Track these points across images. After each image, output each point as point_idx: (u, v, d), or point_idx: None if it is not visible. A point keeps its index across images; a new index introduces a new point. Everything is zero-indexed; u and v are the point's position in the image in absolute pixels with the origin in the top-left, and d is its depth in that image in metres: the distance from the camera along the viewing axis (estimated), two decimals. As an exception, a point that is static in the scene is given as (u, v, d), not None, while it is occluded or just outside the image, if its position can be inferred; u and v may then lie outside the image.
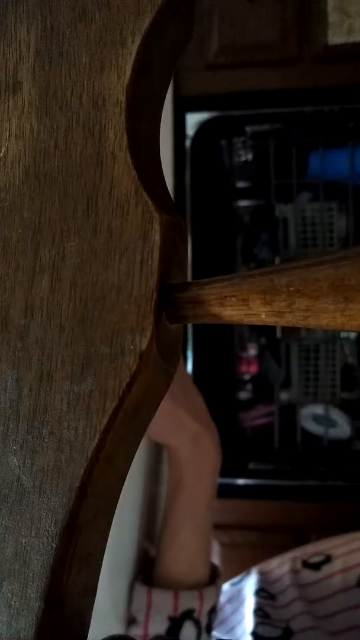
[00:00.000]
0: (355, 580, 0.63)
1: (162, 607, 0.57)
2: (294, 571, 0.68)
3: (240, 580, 0.72)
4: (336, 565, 0.66)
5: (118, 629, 0.58)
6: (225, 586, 0.73)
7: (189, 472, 0.61)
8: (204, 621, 0.59)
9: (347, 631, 0.59)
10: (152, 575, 0.61)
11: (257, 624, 0.60)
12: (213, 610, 0.60)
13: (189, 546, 0.61)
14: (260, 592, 0.66)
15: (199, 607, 0.58)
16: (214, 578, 0.62)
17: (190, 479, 0.60)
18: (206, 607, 0.59)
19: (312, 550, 0.71)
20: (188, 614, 0.58)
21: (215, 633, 0.64)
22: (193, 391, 0.64)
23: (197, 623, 0.58)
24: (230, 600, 0.70)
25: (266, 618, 0.61)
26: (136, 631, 0.57)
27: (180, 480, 0.61)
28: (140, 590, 0.59)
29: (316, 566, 0.67)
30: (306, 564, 0.68)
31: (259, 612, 0.62)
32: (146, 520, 0.67)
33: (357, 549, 0.67)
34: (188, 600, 0.58)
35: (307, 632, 0.59)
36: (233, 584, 0.73)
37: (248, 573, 0.73)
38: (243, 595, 0.68)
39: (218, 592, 0.61)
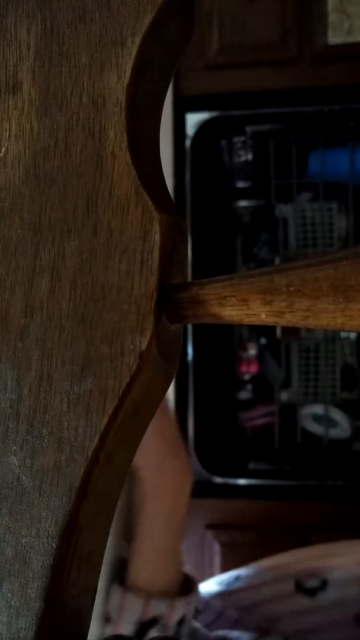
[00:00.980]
0: (353, 617, 0.63)
1: (133, 610, 0.59)
2: (287, 596, 0.68)
3: (228, 584, 0.72)
4: (332, 593, 0.66)
5: (95, 625, 0.60)
6: (215, 583, 0.73)
7: (150, 493, 0.61)
8: (171, 630, 0.60)
9: None
10: (125, 577, 0.63)
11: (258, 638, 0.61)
12: (183, 621, 0.61)
13: (151, 560, 0.62)
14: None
15: (168, 615, 0.60)
16: (188, 589, 0.63)
17: (150, 499, 0.61)
18: (175, 617, 0.60)
19: (307, 567, 0.70)
20: (156, 620, 0.59)
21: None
22: (167, 414, 0.64)
23: (164, 629, 0.59)
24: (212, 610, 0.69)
25: (265, 635, 0.62)
26: (110, 629, 0.60)
27: (143, 498, 0.62)
28: (116, 591, 0.61)
29: (311, 592, 0.67)
30: (300, 588, 0.68)
31: (259, 630, 0.63)
32: (123, 522, 0.67)
33: (355, 580, 0.66)
34: (157, 608, 0.59)
35: None
36: (221, 584, 0.73)
37: (237, 579, 0.73)
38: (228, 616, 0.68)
39: (190, 603, 0.62)
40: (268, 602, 0.68)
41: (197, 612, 0.65)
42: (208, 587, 0.72)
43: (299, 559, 0.73)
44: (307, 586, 0.68)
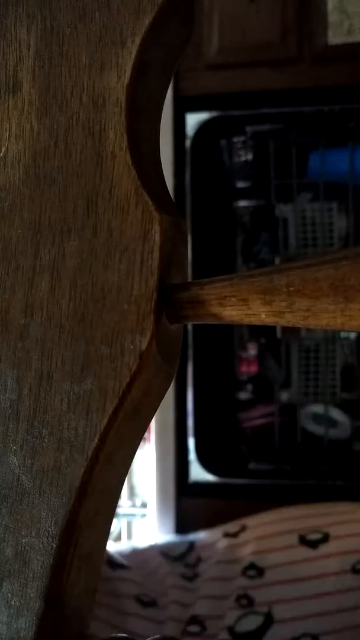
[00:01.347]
0: (350, 566, 0.65)
1: None
2: (289, 547, 0.70)
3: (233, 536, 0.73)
4: (333, 546, 0.68)
5: None
6: (222, 541, 0.74)
7: None
8: None
9: (335, 613, 0.60)
10: None
11: (238, 618, 0.62)
12: None
13: None
14: (248, 570, 0.68)
15: None
16: None
17: None
18: None
19: (311, 524, 0.73)
20: None
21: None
22: None
23: None
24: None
25: (249, 606, 0.63)
26: None
27: None
28: None
29: (313, 544, 0.69)
30: (303, 541, 0.70)
31: (243, 599, 0.64)
32: None
33: (356, 534, 0.69)
34: None
35: (288, 623, 0.61)
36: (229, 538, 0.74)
37: (244, 529, 0.74)
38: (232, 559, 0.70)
39: None
40: (268, 552, 0.70)
41: (199, 560, 0.65)
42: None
43: (302, 514, 0.75)
44: (309, 539, 0.70)
